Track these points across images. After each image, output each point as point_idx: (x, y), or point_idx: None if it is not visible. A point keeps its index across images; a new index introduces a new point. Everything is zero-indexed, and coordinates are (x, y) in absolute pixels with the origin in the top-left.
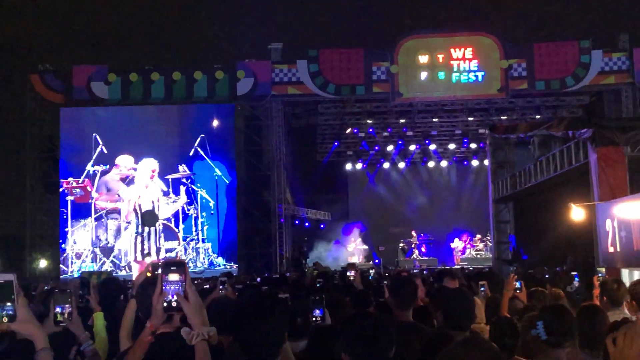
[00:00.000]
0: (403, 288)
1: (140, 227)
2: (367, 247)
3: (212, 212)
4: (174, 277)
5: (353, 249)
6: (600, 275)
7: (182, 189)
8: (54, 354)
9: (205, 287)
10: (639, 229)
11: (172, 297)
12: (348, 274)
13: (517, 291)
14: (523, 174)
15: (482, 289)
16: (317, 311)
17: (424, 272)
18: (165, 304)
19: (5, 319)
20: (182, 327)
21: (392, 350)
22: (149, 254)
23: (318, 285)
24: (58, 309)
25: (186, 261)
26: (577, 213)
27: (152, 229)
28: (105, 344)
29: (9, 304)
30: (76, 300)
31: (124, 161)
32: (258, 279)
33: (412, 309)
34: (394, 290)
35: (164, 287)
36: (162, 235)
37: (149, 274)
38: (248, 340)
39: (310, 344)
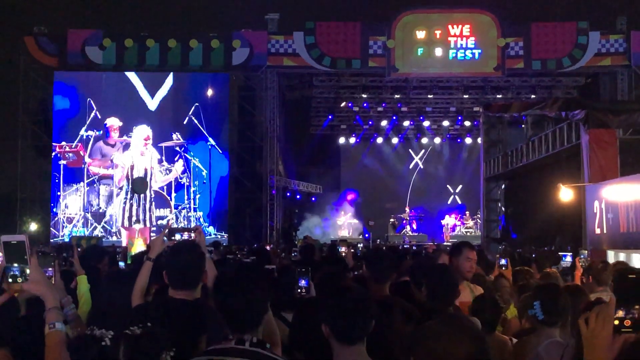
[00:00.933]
0: (380, 262)
1: (130, 193)
2: (357, 221)
3: (205, 181)
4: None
5: (343, 223)
6: (582, 257)
7: (180, 162)
8: (35, 316)
9: None
10: (626, 212)
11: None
12: (339, 249)
13: (503, 268)
14: (515, 153)
15: None
16: (303, 282)
17: (413, 247)
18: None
19: (19, 279)
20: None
21: (371, 324)
22: (137, 221)
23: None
24: None
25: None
26: (565, 194)
27: (143, 195)
28: (89, 306)
29: (21, 264)
30: (59, 264)
31: (114, 122)
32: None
33: (389, 283)
34: (370, 264)
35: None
36: (154, 202)
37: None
38: (229, 310)
39: (296, 315)
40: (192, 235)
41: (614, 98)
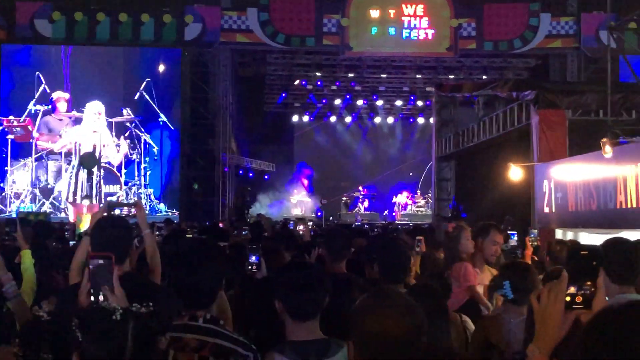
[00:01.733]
0: (336, 240)
1: (77, 168)
2: (310, 200)
3: (156, 157)
4: (102, 272)
5: (296, 201)
6: (532, 235)
7: (123, 142)
8: None
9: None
10: (575, 191)
11: (100, 291)
12: (298, 227)
13: None
14: (466, 133)
15: (418, 244)
16: (253, 258)
17: (365, 226)
18: (92, 299)
19: None
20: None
21: (325, 300)
22: (88, 197)
23: (244, 233)
24: None
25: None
26: (515, 173)
27: (92, 171)
28: (33, 281)
29: None
30: (1, 240)
31: (60, 96)
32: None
33: (345, 261)
34: (327, 242)
35: (90, 282)
36: (103, 179)
37: (105, 214)
38: (183, 286)
39: (245, 292)
40: (132, 210)
41: (563, 79)
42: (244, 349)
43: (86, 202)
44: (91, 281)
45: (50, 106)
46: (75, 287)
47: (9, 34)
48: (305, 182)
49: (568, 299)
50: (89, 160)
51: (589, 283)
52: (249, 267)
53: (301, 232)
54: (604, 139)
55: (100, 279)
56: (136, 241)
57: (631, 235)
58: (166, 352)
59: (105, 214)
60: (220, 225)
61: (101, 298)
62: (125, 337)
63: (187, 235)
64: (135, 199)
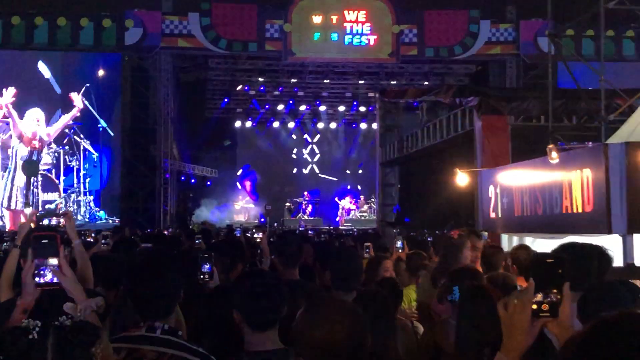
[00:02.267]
0: (288, 246)
1: (12, 174)
2: (253, 206)
3: (95, 164)
4: (46, 255)
5: (240, 207)
6: (484, 238)
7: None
8: None
9: (88, 240)
10: (520, 196)
11: (45, 271)
12: (255, 235)
13: (399, 250)
14: (410, 139)
15: (367, 250)
16: (206, 267)
17: (310, 232)
18: (36, 279)
19: None
20: (65, 303)
21: (283, 308)
22: (29, 204)
23: (198, 242)
24: None
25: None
26: (461, 178)
27: (32, 178)
28: None
29: None
30: None
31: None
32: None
33: (297, 268)
34: (278, 248)
35: (36, 263)
36: (41, 186)
37: (32, 225)
38: (141, 297)
39: (195, 301)
40: (61, 220)
41: (503, 85)
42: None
43: (28, 209)
44: (36, 260)
45: None
46: (7, 303)
47: None
48: (248, 186)
49: (535, 307)
50: (30, 167)
51: (555, 291)
52: (202, 277)
53: (258, 240)
54: (550, 145)
55: (45, 256)
56: (66, 251)
57: (577, 240)
58: None
59: (33, 225)
60: (165, 233)
61: (47, 279)
62: (44, 355)
63: (144, 245)
64: (75, 206)
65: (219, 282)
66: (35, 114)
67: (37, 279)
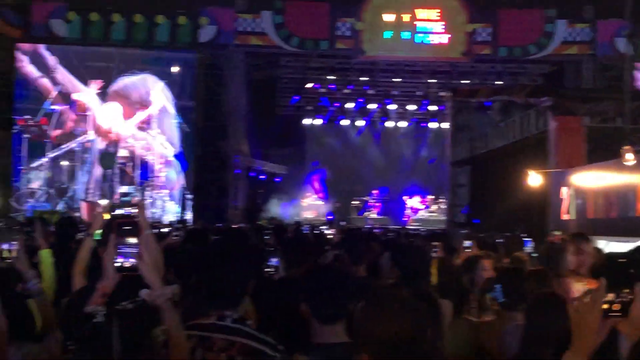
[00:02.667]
0: (356, 243)
1: (93, 167)
2: (321, 203)
3: (170, 159)
4: (128, 238)
5: (307, 204)
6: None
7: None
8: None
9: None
10: (594, 198)
11: (126, 258)
12: (326, 231)
13: (467, 250)
14: (481, 139)
15: (435, 250)
16: (273, 260)
17: (376, 230)
18: (117, 265)
19: None
20: (141, 290)
21: (351, 302)
22: (104, 196)
23: (266, 237)
24: (4, 246)
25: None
26: (534, 179)
27: (108, 171)
28: (53, 281)
29: None
30: (23, 238)
31: (81, 97)
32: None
33: (364, 265)
34: (347, 245)
35: (117, 248)
36: (116, 179)
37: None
38: (212, 286)
39: (262, 293)
40: (134, 210)
41: (578, 86)
42: (271, 349)
43: (103, 201)
44: (118, 246)
45: (68, 105)
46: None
47: (25, 34)
48: (317, 183)
49: (605, 306)
50: (107, 160)
51: (626, 291)
52: (268, 270)
53: (330, 236)
54: (626, 147)
55: (127, 239)
56: None
57: None
58: (193, 351)
59: (114, 215)
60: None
61: (126, 264)
62: (110, 338)
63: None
64: (150, 200)
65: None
66: (113, 108)
67: (116, 264)
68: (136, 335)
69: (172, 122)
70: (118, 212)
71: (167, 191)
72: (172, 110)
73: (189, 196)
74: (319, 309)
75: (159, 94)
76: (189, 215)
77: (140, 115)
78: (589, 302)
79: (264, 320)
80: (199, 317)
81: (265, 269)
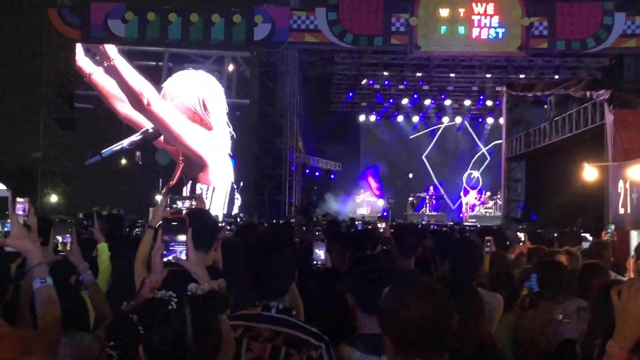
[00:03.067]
0: (406, 236)
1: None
2: (375, 199)
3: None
4: (176, 234)
5: (362, 201)
6: (609, 231)
7: None
8: (54, 281)
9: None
10: None
11: (173, 254)
12: (378, 225)
13: (520, 244)
14: (538, 133)
15: (488, 244)
16: (319, 252)
17: (432, 226)
18: (165, 260)
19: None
20: (190, 284)
21: None
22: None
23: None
24: (58, 238)
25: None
26: (589, 173)
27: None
28: (109, 274)
29: (3, 219)
30: (78, 231)
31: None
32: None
33: (414, 258)
34: (397, 238)
35: (165, 244)
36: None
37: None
38: (257, 276)
39: (313, 285)
40: (193, 203)
41: (637, 79)
42: (316, 339)
43: (158, 196)
44: (165, 237)
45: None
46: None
47: (83, 34)
48: (372, 180)
49: None
50: (162, 156)
51: None
52: (315, 262)
53: (381, 230)
54: None
55: (174, 235)
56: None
57: None
58: (239, 341)
59: (174, 207)
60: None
61: (174, 260)
62: (184, 324)
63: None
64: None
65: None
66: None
67: (165, 259)
68: (206, 321)
69: (224, 119)
70: (178, 203)
71: (213, 186)
72: (223, 107)
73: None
74: (363, 299)
75: (211, 91)
76: (235, 210)
77: (192, 113)
78: (633, 290)
79: (310, 311)
80: (245, 308)
81: (313, 262)
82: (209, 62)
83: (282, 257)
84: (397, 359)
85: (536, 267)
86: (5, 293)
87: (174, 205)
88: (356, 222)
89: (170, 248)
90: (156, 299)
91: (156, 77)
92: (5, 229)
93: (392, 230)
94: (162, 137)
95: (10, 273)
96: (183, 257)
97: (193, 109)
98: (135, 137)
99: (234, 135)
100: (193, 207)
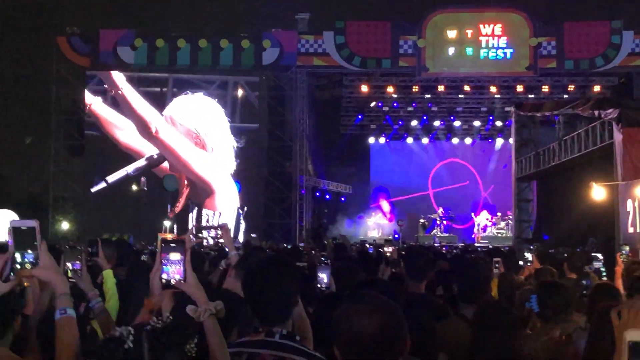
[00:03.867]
0: (417, 259)
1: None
2: (386, 222)
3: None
4: (173, 255)
5: (373, 223)
6: (624, 252)
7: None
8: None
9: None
10: None
11: (171, 275)
12: (385, 249)
13: (528, 264)
14: (547, 153)
15: (496, 265)
16: (323, 276)
17: (444, 248)
18: (163, 281)
19: (28, 266)
20: (187, 305)
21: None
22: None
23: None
24: (68, 265)
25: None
26: (598, 192)
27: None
28: (116, 300)
29: (30, 250)
30: (85, 261)
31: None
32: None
33: (425, 282)
34: (407, 261)
35: (163, 265)
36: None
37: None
38: (259, 302)
39: (316, 310)
40: (219, 232)
41: None
42: None
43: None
44: (164, 263)
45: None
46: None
47: (93, 61)
48: (385, 206)
49: None
50: (170, 182)
51: None
52: (319, 286)
53: (388, 254)
54: None
55: (172, 262)
56: (223, 262)
57: None
58: None
59: (200, 236)
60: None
61: (173, 281)
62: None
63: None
64: (218, 221)
65: None
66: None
67: (163, 280)
68: (167, 354)
69: (228, 142)
70: (204, 233)
71: (219, 211)
72: (226, 129)
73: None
74: None
75: (210, 113)
76: (241, 236)
77: (193, 136)
78: (632, 312)
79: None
80: (248, 335)
81: (318, 285)
82: (213, 87)
83: (282, 281)
84: None
85: (536, 288)
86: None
87: (200, 235)
88: (366, 245)
89: (167, 275)
90: (113, 338)
91: (161, 103)
92: (25, 260)
93: (403, 253)
94: (166, 163)
95: (20, 303)
96: (177, 277)
97: (195, 132)
98: (140, 164)
99: (238, 159)
100: (218, 236)
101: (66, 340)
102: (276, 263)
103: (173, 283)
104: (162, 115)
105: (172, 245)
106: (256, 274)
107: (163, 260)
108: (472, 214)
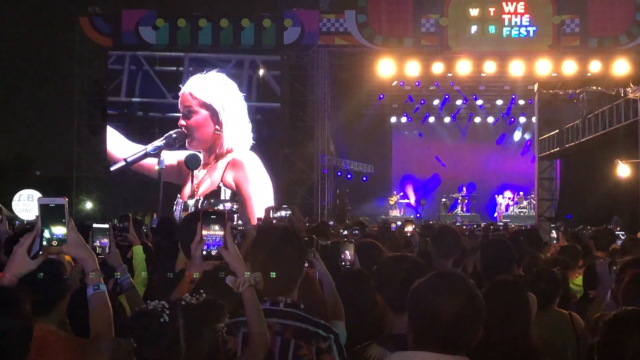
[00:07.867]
0: (444, 237)
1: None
2: (408, 201)
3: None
4: (214, 226)
5: (394, 202)
6: None
7: None
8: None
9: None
10: None
11: (212, 246)
12: (406, 229)
13: (554, 242)
14: (570, 131)
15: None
16: (347, 254)
17: (466, 226)
18: (204, 253)
19: (55, 242)
20: (227, 276)
21: None
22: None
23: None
24: (97, 242)
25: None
26: (623, 170)
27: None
28: (145, 276)
29: (60, 227)
30: (114, 236)
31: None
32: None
33: (452, 260)
34: (435, 239)
35: (204, 237)
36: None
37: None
38: (265, 272)
39: (339, 286)
40: (235, 205)
41: None
42: (325, 331)
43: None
44: (204, 231)
45: None
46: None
47: (115, 41)
48: (403, 183)
49: None
50: (192, 161)
51: None
52: (343, 263)
53: (408, 234)
54: None
55: (212, 227)
56: (238, 236)
57: None
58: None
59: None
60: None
61: (214, 252)
62: (177, 335)
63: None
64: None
65: None
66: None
67: (204, 252)
68: (202, 331)
69: (244, 119)
70: (220, 207)
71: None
72: (244, 109)
73: None
74: (394, 300)
75: (230, 93)
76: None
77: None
78: None
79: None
80: None
81: (341, 263)
82: (229, 66)
83: (285, 254)
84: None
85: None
86: (60, 302)
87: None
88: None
89: (209, 247)
90: (148, 311)
91: (177, 82)
92: (54, 237)
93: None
94: (186, 142)
95: (66, 282)
96: (215, 247)
97: (211, 106)
98: (159, 142)
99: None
100: (288, 216)
101: (101, 315)
102: (281, 235)
103: (214, 254)
104: (181, 92)
105: (213, 217)
106: (261, 246)
107: (203, 232)
108: (495, 194)
